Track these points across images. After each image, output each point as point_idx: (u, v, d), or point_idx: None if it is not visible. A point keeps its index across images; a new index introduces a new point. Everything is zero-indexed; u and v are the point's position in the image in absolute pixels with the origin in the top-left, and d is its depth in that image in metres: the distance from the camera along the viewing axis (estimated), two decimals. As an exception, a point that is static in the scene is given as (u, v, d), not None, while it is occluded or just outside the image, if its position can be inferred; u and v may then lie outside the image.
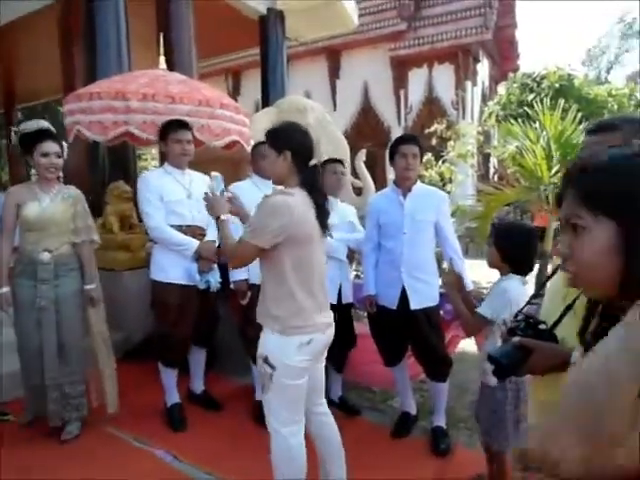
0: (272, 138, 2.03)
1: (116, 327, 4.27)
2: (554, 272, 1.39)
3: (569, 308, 1.17)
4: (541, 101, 5.70)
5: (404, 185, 2.87)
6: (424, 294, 2.84)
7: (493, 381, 2.04)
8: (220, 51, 9.22)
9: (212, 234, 2.99)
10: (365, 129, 14.61)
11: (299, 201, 1.92)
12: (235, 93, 16.64)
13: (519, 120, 5.72)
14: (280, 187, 2.04)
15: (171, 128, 2.91)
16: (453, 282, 2.17)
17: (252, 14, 7.04)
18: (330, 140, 4.29)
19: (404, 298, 2.82)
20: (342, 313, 2.99)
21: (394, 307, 2.84)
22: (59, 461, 2.65)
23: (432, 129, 9.80)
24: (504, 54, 16.45)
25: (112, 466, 2.60)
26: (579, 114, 5.13)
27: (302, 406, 2.04)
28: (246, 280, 3.06)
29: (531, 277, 2.25)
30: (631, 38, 23.25)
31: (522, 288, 2.09)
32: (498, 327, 2.03)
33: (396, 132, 13.73)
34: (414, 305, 2.81)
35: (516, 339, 1.21)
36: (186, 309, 2.98)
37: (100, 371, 3.01)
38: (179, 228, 2.94)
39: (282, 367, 1.92)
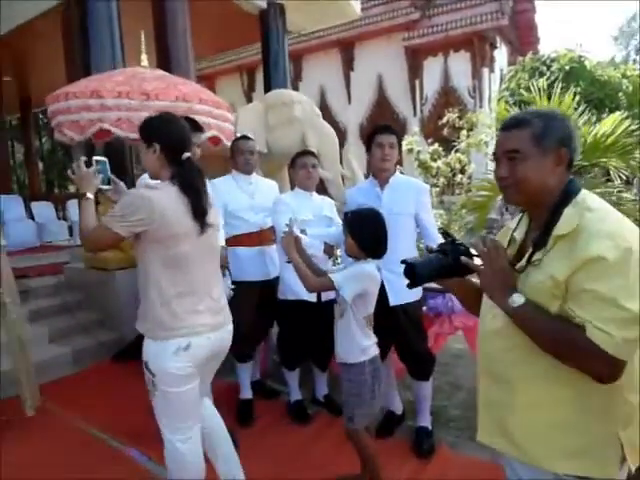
0: (142, 130, 1.92)
1: (108, 327, 4.34)
2: None
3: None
4: (549, 85, 5.47)
5: (381, 176, 2.75)
6: (404, 289, 2.69)
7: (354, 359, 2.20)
8: (226, 47, 9.21)
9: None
10: (380, 121, 14.34)
11: (164, 196, 1.79)
12: (250, 90, 16.68)
13: (525, 106, 5.49)
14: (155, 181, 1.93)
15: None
16: (291, 242, 2.25)
17: (252, 9, 6.98)
18: (318, 133, 4.18)
19: (383, 294, 2.71)
20: (323, 311, 2.91)
21: (373, 303, 2.73)
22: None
23: (445, 119, 9.58)
24: (523, 39, 15.95)
25: (85, 467, 2.59)
26: (592, 96, 4.89)
27: (193, 412, 1.94)
28: None
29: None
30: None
31: (376, 273, 2.19)
32: (350, 308, 2.15)
33: (412, 123, 13.53)
34: (393, 301, 2.69)
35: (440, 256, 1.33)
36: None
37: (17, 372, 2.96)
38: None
39: (161, 374, 1.83)
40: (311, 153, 3.06)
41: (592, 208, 1.14)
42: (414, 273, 1.30)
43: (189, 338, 1.84)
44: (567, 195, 1.19)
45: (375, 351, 2.26)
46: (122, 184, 2.14)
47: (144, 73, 3.47)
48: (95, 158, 2.05)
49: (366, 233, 2.16)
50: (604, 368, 1.07)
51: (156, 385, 1.85)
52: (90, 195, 1.92)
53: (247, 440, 2.86)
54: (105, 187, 2.04)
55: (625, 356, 1.06)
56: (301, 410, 3.12)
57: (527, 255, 1.22)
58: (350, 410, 2.24)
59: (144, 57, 3.68)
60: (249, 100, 16.29)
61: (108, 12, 4.85)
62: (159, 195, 1.79)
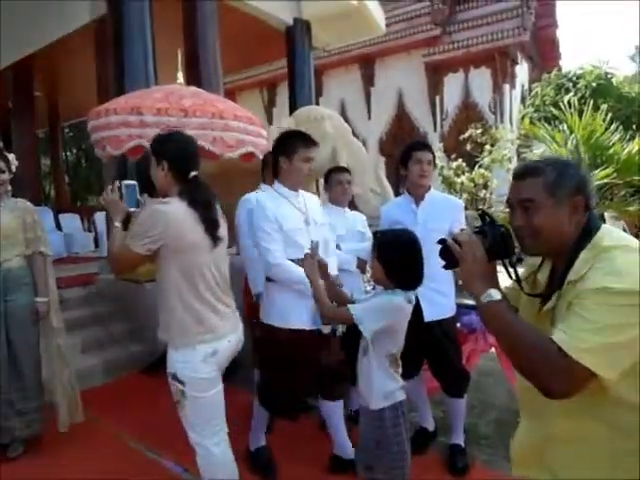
0: (153, 147, 2.01)
1: (139, 338, 4.39)
2: None
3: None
4: (577, 101, 5.46)
5: (417, 192, 2.78)
6: (439, 305, 2.73)
7: (374, 405, 1.91)
8: (250, 63, 9.36)
9: (331, 267, 2.37)
10: (401, 136, 14.46)
11: (177, 210, 1.88)
12: (270, 105, 16.89)
13: (554, 122, 5.49)
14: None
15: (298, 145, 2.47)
16: (313, 265, 1.96)
17: (279, 25, 7.11)
18: (348, 148, 4.23)
19: (418, 309, 2.72)
20: (356, 326, 2.91)
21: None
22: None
23: (467, 134, 9.59)
24: (545, 55, 15.97)
25: (123, 475, 2.62)
26: (620, 113, 4.88)
27: (220, 413, 2.04)
28: None
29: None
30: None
31: (405, 306, 1.89)
32: (371, 345, 1.89)
33: (432, 138, 13.54)
34: (428, 316, 2.70)
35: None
36: (307, 357, 2.50)
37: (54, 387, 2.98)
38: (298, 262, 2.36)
39: (191, 381, 1.92)
40: (346, 170, 3.10)
41: (607, 247, 1.12)
42: (451, 253, 1.25)
43: (214, 344, 1.95)
44: (584, 237, 1.17)
45: (400, 396, 1.96)
46: (150, 200, 2.20)
47: (181, 90, 3.56)
48: (125, 183, 2.12)
49: (397, 259, 1.88)
50: (558, 377, 1.05)
51: (185, 393, 1.92)
52: (117, 224, 2.01)
53: (278, 453, 2.87)
54: (134, 209, 2.11)
55: (593, 365, 1.02)
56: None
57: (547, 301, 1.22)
58: (366, 458, 1.97)
59: (180, 75, 3.78)
60: (269, 115, 16.50)
61: (142, 30, 4.98)
62: (173, 208, 1.89)
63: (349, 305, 1.90)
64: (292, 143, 2.45)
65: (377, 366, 1.92)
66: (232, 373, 3.72)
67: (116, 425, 3.21)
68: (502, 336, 1.16)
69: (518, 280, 1.29)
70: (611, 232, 1.19)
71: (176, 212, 1.88)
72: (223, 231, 2.06)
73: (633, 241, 1.15)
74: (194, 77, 5.58)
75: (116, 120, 3.25)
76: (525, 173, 1.22)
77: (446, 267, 1.30)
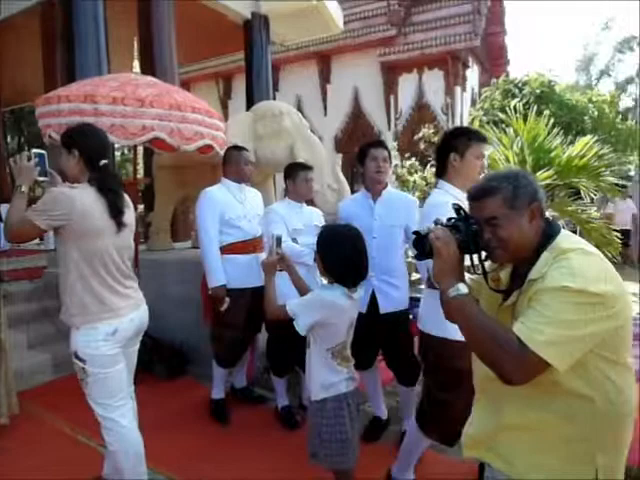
0: (63, 138, 2.15)
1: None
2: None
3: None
4: (522, 107, 5.72)
5: (375, 188, 2.86)
6: (394, 298, 2.83)
7: (314, 395, 1.98)
8: (207, 55, 9.22)
9: None
10: (356, 134, 14.65)
11: (84, 195, 2.00)
12: (226, 97, 16.67)
13: (501, 126, 5.73)
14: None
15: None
16: (269, 264, 2.03)
17: (237, 18, 7.05)
18: (306, 144, 4.27)
19: (374, 302, 2.81)
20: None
21: (363, 311, 2.80)
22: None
23: (420, 134, 9.83)
24: (493, 60, 16.58)
25: (72, 468, 2.57)
26: (561, 120, 5.16)
27: (124, 388, 2.14)
28: (224, 285, 3.05)
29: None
30: (624, 49, 23.49)
31: (342, 301, 1.87)
32: (312, 339, 1.95)
33: (386, 137, 13.76)
34: (383, 309, 2.79)
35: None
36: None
37: None
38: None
39: (91, 359, 2.01)
40: (310, 167, 3.15)
41: (565, 250, 1.22)
42: (424, 245, 1.31)
43: (114, 324, 2.06)
44: (545, 240, 1.27)
45: (344, 388, 1.96)
46: (59, 177, 2.28)
47: (137, 79, 3.47)
48: (34, 151, 2.20)
49: (334, 254, 1.88)
50: (516, 366, 1.13)
51: (87, 370, 2.02)
52: (24, 188, 2.09)
53: (237, 446, 2.90)
54: (42, 179, 2.16)
55: (547, 355, 1.11)
56: (289, 416, 3.16)
57: (509, 296, 1.31)
58: (310, 446, 2.00)
59: (136, 63, 3.70)
60: (225, 107, 16.27)
61: (94, 16, 4.80)
62: (79, 193, 2.00)
63: (287, 301, 1.92)
64: (465, 141, 2.25)
65: (317, 359, 1.94)
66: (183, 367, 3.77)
67: (66, 420, 3.12)
68: (467, 327, 1.24)
69: (485, 276, 1.36)
70: (569, 236, 1.29)
71: (82, 196, 1.99)
72: (129, 218, 2.18)
73: (588, 245, 1.26)
74: (148, 66, 5.46)
75: (68, 108, 3.14)
76: (483, 195, 1.30)
77: (418, 258, 1.37)
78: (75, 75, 4.55)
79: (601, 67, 24.53)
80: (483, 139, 2.32)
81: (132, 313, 2.15)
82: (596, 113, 9.38)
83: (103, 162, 2.10)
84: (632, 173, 10.55)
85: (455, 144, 2.25)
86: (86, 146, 2.08)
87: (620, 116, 10.94)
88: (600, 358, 1.18)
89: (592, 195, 4.73)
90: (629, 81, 23.37)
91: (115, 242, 2.09)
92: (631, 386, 1.25)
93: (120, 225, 2.10)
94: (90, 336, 2.01)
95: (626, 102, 21.58)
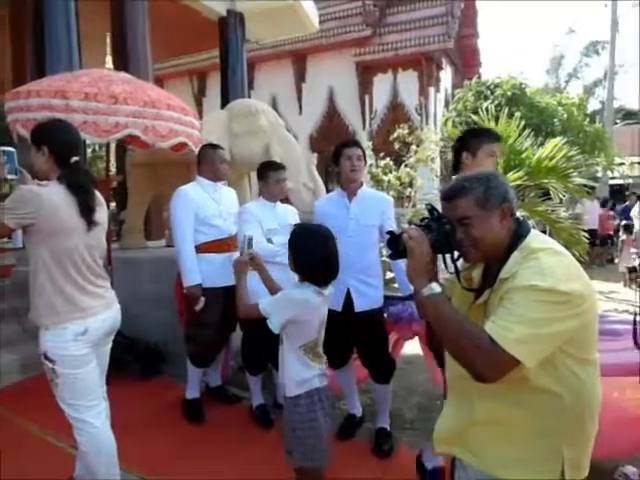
0: (33, 134, 2.08)
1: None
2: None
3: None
4: (494, 108, 5.84)
5: (350, 187, 2.88)
6: (368, 296, 2.86)
7: (288, 392, 1.97)
8: (182, 52, 9.12)
9: None
10: (330, 133, 14.67)
11: (53, 193, 1.96)
12: (200, 95, 16.50)
13: (473, 127, 5.83)
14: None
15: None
16: (240, 264, 2.05)
17: (212, 15, 6.99)
18: (282, 143, 4.28)
19: (349, 300, 2.83)
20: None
21: (339, 309, 2.83)
22: None
23: (395, 134, 9.93)
24: (466, 62, 16.85)
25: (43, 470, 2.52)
26: (531, 121, 5.28)
27: (96, 387, 2.11)
28: (200, 285, 3.04)
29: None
30: (590, 53, 24.22)
31: (313, 299, 1.88)
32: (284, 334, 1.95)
33: (361, 136, 13.84)
34: (358, 307, 2.82)
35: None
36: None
37: None
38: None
39: (61, 359, 1.98)
40: (282, 167, 3.16)
41: (535, 250, 1.25)
42: (398, 245, 1.33)
43: (84, 323, 2.01)
44: (515, 240, 1.30)
45: (317, 383, 1.97)
46: (28, 175, 2.22)
47: (110, 75, 3.42)
48: (2, 149, 2.12)
49: (306, 254, 1.89)
50: (487, 363, 1.16)
51: (57, 371, 1.98)
52: None
53: (212, 446, 2.89)
54: (12, 177, 2.10)
55: (517, 353, 1.13)
56: (264, 414, 3.17)
57: (481, 294, 1.35)
58: (286, 443, 2.01)
59: (109, 59, 3.64)
60: (199, 105, 16.09)
61: (66, 9, 4.70)
62: (48, 191, 1.95)
63: (259, 300, 1.94)
64: (476, 140, 2.34)
65: (290, 356, 1.96)
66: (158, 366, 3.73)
67: (34, 422, 3.06)
68: (440, 326, 1.27)
69: (458, 275, 1.39)
70: (538, 236, 1.33)
71: (51, 195, 1.94)
72: (100, 216, 2.13)
73: (557, 245, 1.30)
74: (121, 62, 5.36)
75: (38, 103, 3.08)
76: (455, 195, 1.33)
77: (392, 257, 1.39)
78: (45, 70, 4.45)
79: (569, 70, 25.24)
80: (495, 138, 2.40)
81: (104, 313, 2.11)
82: (565, 115, 9.69)
83: (74, 159, 2.04)
84: (599, 174, 10.88)
85: (468, 143, 2.35)
86: (56, 142, 2.02)
87: (588, 118, 11.28)
88: (567, 355, 1.22)
89: (561, 196, 4.87)
90: (597, 84, 24.12)
91: (86, 241, 2.05)
92: (596, 381, 1.30)
93: (91, 224, 2.05)
94: (59, 336, 1.98)
95: (594, 105, 22.29)
